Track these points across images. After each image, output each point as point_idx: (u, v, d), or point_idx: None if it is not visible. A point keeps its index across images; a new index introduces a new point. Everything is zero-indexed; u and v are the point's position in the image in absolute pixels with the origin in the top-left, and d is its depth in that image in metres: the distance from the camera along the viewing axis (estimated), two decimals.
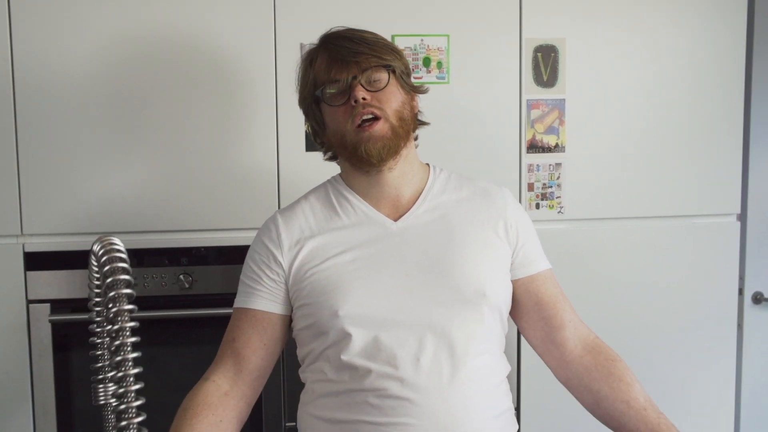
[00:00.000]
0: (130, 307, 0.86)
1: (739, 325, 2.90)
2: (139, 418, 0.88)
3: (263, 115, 2.15)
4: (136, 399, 0.89)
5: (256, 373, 1.53)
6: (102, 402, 1.12)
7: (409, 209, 1.55)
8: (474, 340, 1.47)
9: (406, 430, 1.42)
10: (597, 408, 1.58)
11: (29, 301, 2.12)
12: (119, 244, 0.92)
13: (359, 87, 1.47)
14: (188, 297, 2.14)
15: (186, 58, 2.11)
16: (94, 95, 2.09)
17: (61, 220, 2.10)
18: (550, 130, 2.26)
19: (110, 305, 0.83)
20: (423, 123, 1.62)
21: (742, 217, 2.73)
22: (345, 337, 1.45)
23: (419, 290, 1.47)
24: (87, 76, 2.08)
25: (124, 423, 0.88)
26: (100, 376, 1.09)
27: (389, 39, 2.02)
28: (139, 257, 2.14)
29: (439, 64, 2.19)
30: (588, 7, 2.26)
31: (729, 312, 2.45)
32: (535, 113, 2.24)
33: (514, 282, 1.59)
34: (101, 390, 1.10)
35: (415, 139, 1.61)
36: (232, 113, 2.14)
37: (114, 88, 2.10)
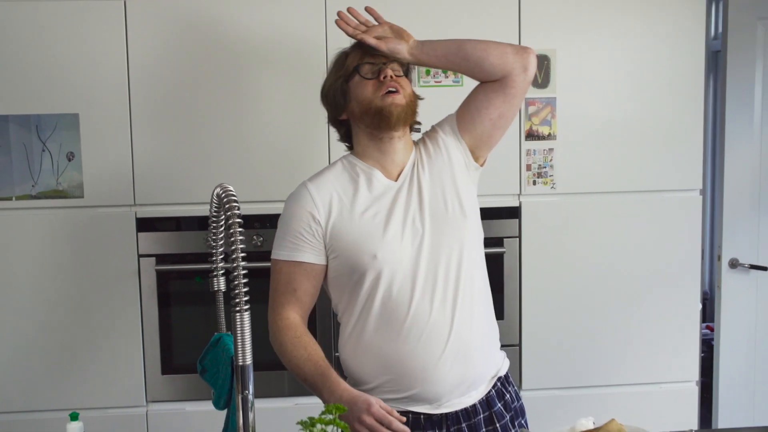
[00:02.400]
0: (240, 220, 1.45)
1: (718, 287, 3.42)
2: (246, 297, 1.47)
3: (315, 104, 2.75)
4: (245, 285, 1.46)
5: (308, 310, 2.01)
6: (216, 289, 1.72)
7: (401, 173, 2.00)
8: (468, 250, 1.95)
9: (431, 345, 1.89)
10: None
11: (140, 255, 2.75)
12: (230, 187, 1.51)
13: (389, 68, 1.98)
14: (260, 253, 2.75)
15: (262, 61, 2.73)
16: (193, 93, 2.71)
17: (164, 193, 2.73)
18: (544, 122, 2.82)
19: (229, 222, 1.42)
20: (418, 124, 2.10)
21: (716, 191, 3.25)
22: (381, 274, 1.88)
23: (424, 230, 1.93)
24: (188, 73, 2.70)
25: (236, 300, 1.46)
26: (213, 274, 1.68)
27: None
28: None
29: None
30: (573, 24, 2.80)
31: (692, 270, 2.95)
32: (532, 109, 2.81)
33: (471, 122, 2.03)
34: (215, 281, 1.70)
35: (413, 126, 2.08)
36: (293, 106, 2.75)
37: (208, 88, 2.72)
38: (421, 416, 1.93)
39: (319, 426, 1.39)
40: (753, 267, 3.36)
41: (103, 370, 2.77)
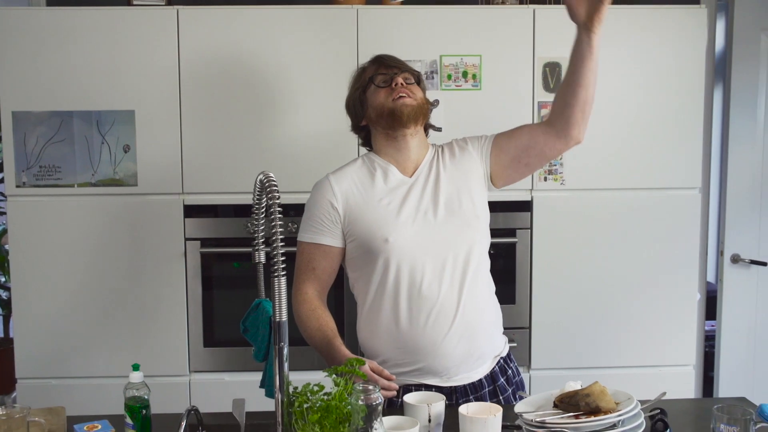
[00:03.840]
0: (279, 199, 1.73)
1: (720, 280, 3.66)
2: (284, 265, 1.74)
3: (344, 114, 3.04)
4: (282, 256, 1.74)
5: (327, 287, 2.28)
6: (257, 261, 1.99)
7: (416, 169, 2.26)
8: (477, 247, 2.21)
9: (439, 323, 2.15)
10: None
11: (186, 239, 3.05)
12: (272, 175, 1.79)
13: (399, 77, 2.23)
14: (293, 238, 3.03)
15: (299, 69, 3.02)
16: (236, 95, 3.00)
17: (209, 183, 3.02)
18: None
19: (270, 202, 1.70)
20: (433, 126, 2.39)
21: (712, 190, 3.48)
22: (392, 258, 2.14)
23: (436, 221, 2.18)
24: (232, 77, 2.99)
25: (274, 268, 1.74)
26: (255, 248, 1.95)
27: (438, 58, 2.92)
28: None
29: (474, 76, 3.03)
30: None
31: (691, 263, 3.19)
32: (544, 111, 3.07)
33: (500, 155, 2.26)
34: (257, 254, 1.97)
35: (426, 130, 2.33)
36: (327, 108, 3.03)
37: (250, 91, 3.00)
38: (433, 388, 2.18)
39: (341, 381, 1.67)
40: (753, 262, 3.59)
41: (151, 342, 3.07)
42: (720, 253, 3.65)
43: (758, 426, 1.82)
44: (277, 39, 3.00)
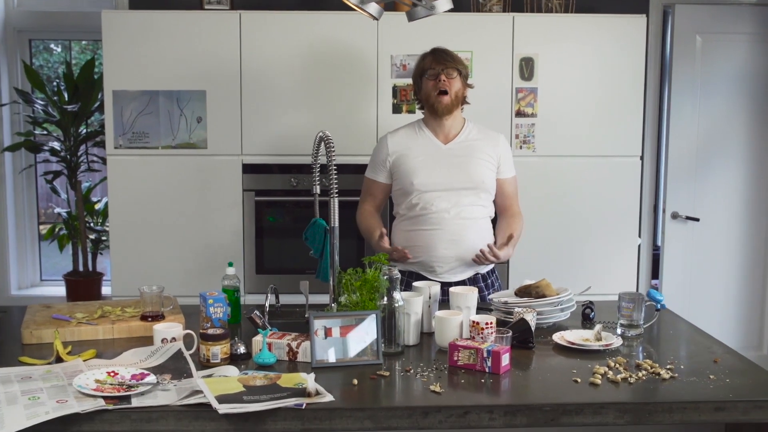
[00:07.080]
0: (335, 155, 2.62)
1: (662, 233, 4.56)
2: (337, 197, 2.64)
3: (369, 92, 3.94)
4: (336, 185, 2.65)
5: (380, 206, 3.24)
6: (315, 192, 2.89)
7: (453, 139, 3.17)
8: (476, 201, 3.11)
9: (438, 236, 3.06)
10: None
11: (244, 190, 3.96)
12: (328, 133, 2.69)
13: (443, 74, 3.10)
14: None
15: (330, 60, 3.92)
16: (285, 80, 3.89)
17: (262, 146, 3.93)
18: (528, 104, 3.98)
19: (329, 154, 2.60)
20: (467, 102, 3.26)
21: (661, 160, 4.36)
22: (415, 193, 3.09)
23: (454, 178, 3.09)
24: (281, 66, 3.89)
25: (331, 192, 2.64)
26: (314, 185, 2.87)
27: None
28: (298, 168, 3.96)
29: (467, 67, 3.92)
30: (552, 36, 3.94)
31: (632, 214, 4.09)
32: (520, 95, 3.97)
33: (496, 179, 3.25)
34: (314, 187, 2.87)
35: (463, 105, 3.21)
36: (353, 93, 3.93)
37: (295, 76, 3.90)
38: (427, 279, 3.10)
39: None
40: (688, 218, 4.50)
41: (216, 270, 3.94)
42: (663, 210, 4.56)
43: (647, 303, 2.73)
44: (316, 38, 3.90)
